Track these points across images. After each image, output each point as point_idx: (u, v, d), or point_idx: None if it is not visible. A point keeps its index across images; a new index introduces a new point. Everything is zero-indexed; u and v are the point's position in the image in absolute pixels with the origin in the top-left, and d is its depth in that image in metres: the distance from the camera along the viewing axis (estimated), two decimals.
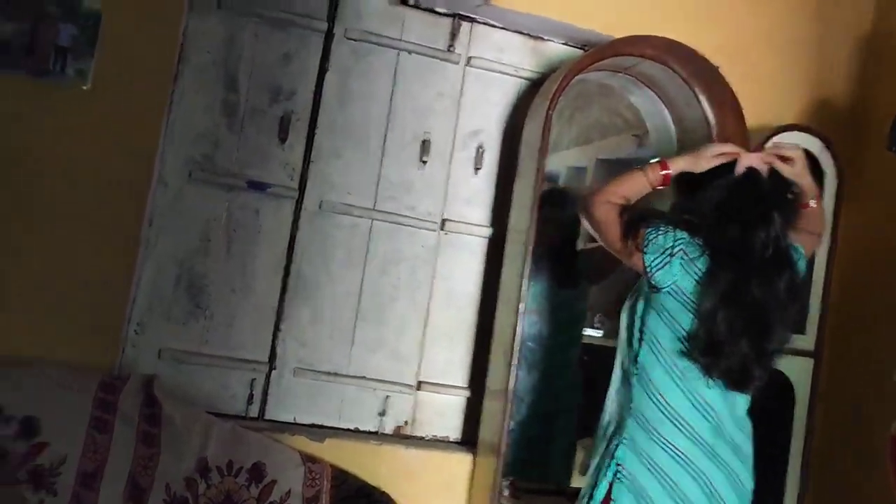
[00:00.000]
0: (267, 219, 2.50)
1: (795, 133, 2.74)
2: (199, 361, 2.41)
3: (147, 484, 2.04)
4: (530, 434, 2.77)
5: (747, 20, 2.83)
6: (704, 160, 1.95)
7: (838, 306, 2.77)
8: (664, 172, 1.97)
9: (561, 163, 3.27)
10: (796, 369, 2.68)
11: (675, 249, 1.86)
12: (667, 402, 1.88)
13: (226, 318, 2.45)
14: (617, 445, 1.91)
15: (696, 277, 1.85)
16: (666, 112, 2.84)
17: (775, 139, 2.71)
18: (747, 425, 1.97)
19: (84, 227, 2.27)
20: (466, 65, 2.70)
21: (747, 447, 1.95)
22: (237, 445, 2.14)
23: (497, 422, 2.36)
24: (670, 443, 1.87)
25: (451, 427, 2.62)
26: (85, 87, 2.30)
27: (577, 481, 3.00)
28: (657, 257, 1.86)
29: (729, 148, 1.97)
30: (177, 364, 2.39)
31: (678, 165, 1.98)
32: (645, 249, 1.88)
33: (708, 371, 1.85)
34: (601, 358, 3.05)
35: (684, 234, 1.88)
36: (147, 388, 2.14)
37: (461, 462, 2.51)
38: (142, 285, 2.38)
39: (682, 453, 1.86)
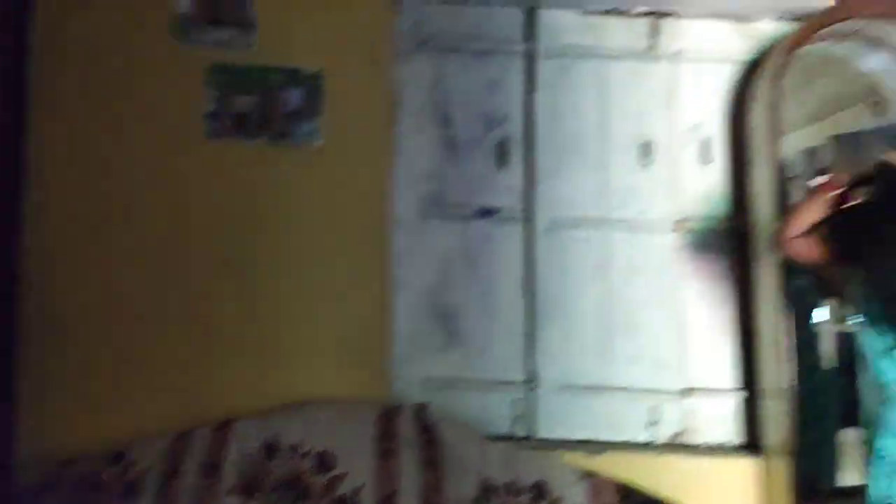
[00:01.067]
0: (500, 243, 2.61)
1: None
2: (461, 386, 2.53)
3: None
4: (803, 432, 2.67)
5: None
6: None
7: None
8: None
9: (791, 146, 3.18)
10: None
11: None
12: None
13: (479, 342, 2.56)
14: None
15: None
16: None
17: None
18: None
19: (339, 273, 2.49)
20: (674, 59, 2.73)
21: None
22: (515, 465, 2.21)
23: (782, 422, 2.30)
24: None
25: (729, 431, 2.58)
26: (317, 144, 2.54)
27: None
28: None
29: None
30: (440, 391, 2.52)
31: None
32: None
33: None
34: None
35: None
36: (420, 416, 2.27)
37: (746, 467, 2.46)
38: (399, 320, 2.55)
39: None
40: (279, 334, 2.47)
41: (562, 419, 2.54)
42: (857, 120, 3.06)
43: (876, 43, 2.69)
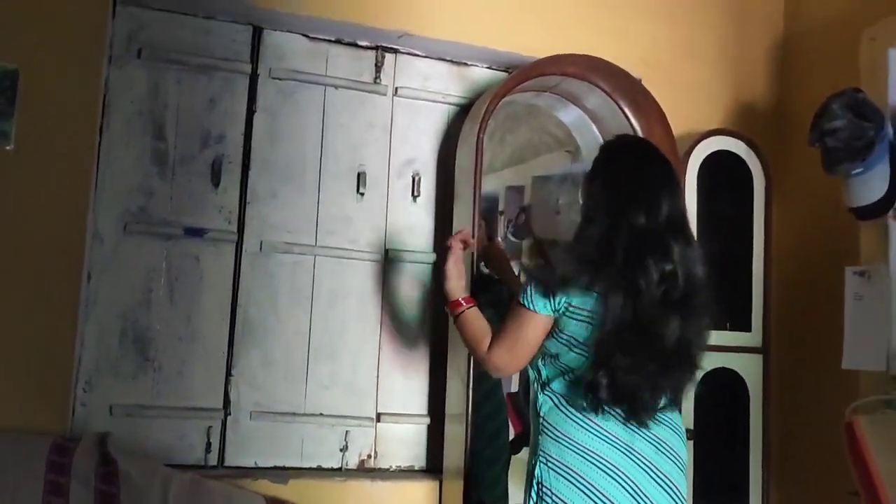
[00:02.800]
0: (208, 264, 2.55)
1: (721, 137, 2.93)
2: (153, 414, 2.42)
3: None
4: (478, 452, 2.84)
5: (666, 33, 3.02)
6: (451, 264, 2.16)
7: (781, 301, 2.95)
8: (461, 304, 2.12)
9: (498, 183, 3.40)
10: (746, 366, 2.83)
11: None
12: (570, 407, 1.90)
13: (175, 368, 2.47)
14: (534, 465, 1.93)
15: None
16: (593, 127, 2.99)
17: (702, 144, 2.90)
18: (677, 425, 1.97)
19: (22, 288, 2.28)
20: (394, 95, 2.81)
21: (678, 447, 1.94)
22: (199, 496, 2.16)
23: (460, 446, 2.43)
24: (581, 445, 1.86)
25: (415, 456, 2.69)
26: (8, 148, 2.33)
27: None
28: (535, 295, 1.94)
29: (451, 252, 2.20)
30: (130, 419, 2.39)
31: (452, 287, 2.14)
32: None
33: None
34: None
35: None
36: (101, 447, 2.14)
37: (428, 490, 2.57)
38: (86, 343, 2.39)
39: (596, 454, 1.86)
40: None
41: (256, 446, 2.52)
42: (555, 164, 3.33)
43: (570, 98, 2.93)
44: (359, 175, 2.74)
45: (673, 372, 1.90)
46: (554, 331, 1.95)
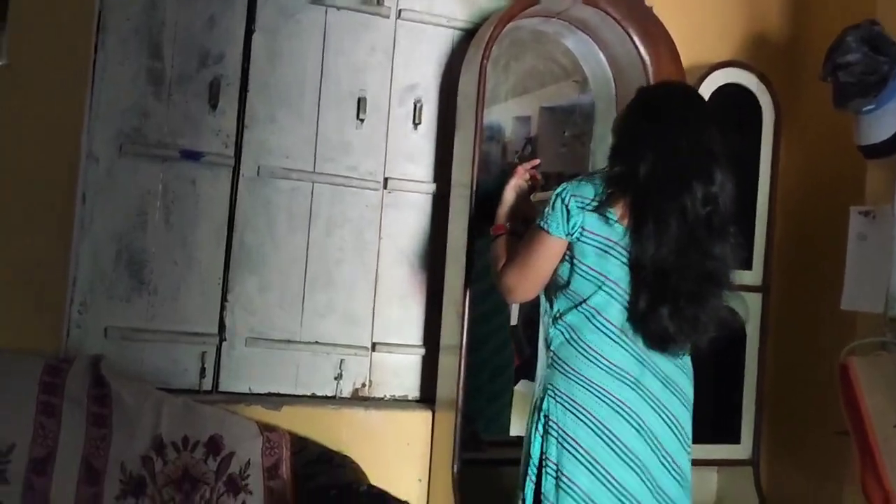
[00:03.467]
0: (204, 188, 2.51)
1: (731, 69, 2.86)
2: (147, 338, 2.42)
3: (101, 466, 2.06)
4: (480, 386, 2.85)
5: None
6: (510, 188, 2.22)
7: (783, 240, 2.91)
8: (502, 228, 2.17)
9: (504, 114, 3.33)
10: (744, 304, 2.81)
11: (566, 198, 1.94)
12: (582, 340, 1.92)
13: (170, 291, 2.46)
14: (542, 398, 1.96)
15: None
16: (601, 55, 2.91)
17: (712, 76, 2.83)
18: (687, 366, 2.01)
19: (15, 209, 2.25)
20: (398, 18, 2.72)
21: (685, 384, 1.99)
22: (191, 420, 2.18)
23: (453, 377, 2.43)
24: (590, 381, 1.89)
25: (409, 386, 2.69)
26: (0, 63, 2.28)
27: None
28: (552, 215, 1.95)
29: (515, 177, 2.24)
30: (124, 342, 2.39)
31: (501, 211, 2.20)
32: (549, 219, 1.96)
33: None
34: None
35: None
36: (94, 369, 2.15)
37: (421, 420, 2.57)
38: (81, 264, 2.37)
39: (604, 390, 1.89)
40: None
41: (250, 373, 2.52)
42: (562, 94, 3.27)
43: (578, 24, 2.85)
44: (359, 100, 2.68)
45: (711, 299, 1.92)
46: (568, 257, 1.96)
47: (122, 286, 2.42)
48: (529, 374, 3.11)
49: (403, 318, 2.70)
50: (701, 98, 2.13)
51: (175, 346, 2.45)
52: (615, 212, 1.89)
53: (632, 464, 1.88)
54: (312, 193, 2.62)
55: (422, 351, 2.70)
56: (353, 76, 2.68)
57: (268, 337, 2.55)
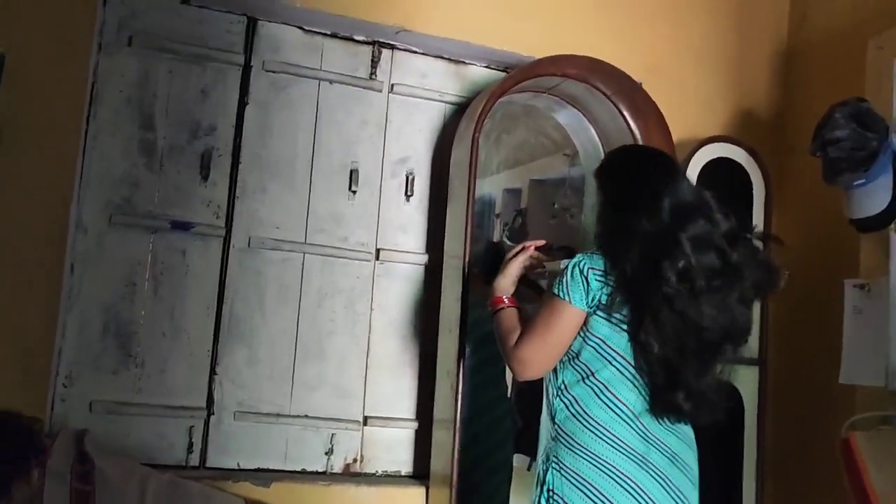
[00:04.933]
0: (194, 259, 2.50)
1: (721, 144, 2.91)
2: (134, 411, 2.38)
3: None
4: (478, 460, 2.81)
5: (669, 37, 2.99)
6: (515, 264, 2.18)
7: (778, 312, 2.92)
8: (503, 301, 2.13)
9: (495, 186, 3.37)
10: (742, 378, 2.80)
11: (585, 269, 1.93)
12: (588, 414, 1.90)
13: (158, 364, 2.43)
14: (546, 471, 1.94)
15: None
16: (592, 130, 2.96)
17: (701, 150, 2.88)
18: (690, 439, 1.99)
19: (3, 276, 2.23)
20: (390, 92, 2.78)
21: (691, 460, 1.97)
22: (177, 497, 2.12)
23: (447, 452, 2.40)
24: (596, 455, 1.87)
25: (402, 461, 2.65)
26: None
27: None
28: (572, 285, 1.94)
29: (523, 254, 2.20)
30: (110, 416, 2.35)
31: (502, 284, 2.16)
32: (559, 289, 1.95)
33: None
34: None
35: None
36: (78, 444, 2.10)
37: (414, 496, 2.53)
38: (67, 336, 2.35)
39: (611, 465, 1.86)
40: None
41: (239, 447, 2.48)
42: (552, 167, 3.32)
43: (569, 100, 2.91)
44: (351, 172, 2.71)
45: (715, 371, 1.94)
46: (581, 329, 1.94)
47: (108, 358, 2.39)
48: (521, 448, 3.09)
49: (396, 390, 2.68)
50: (651, 152, 2.15)
51: (162, 420, 2.41)
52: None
53: None
54: (303, 264, 2.62)
55: (415, 425, 2.66)
56: (346, 148, 2.72)
57: (257, 410, 2.51)
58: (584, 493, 1.87)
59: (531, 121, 3.14)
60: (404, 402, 2.68)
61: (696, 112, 2.99)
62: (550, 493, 1.91)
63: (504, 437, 2.96)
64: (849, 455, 2.16)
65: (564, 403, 1.95)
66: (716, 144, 2.90)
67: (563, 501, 1.89)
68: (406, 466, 2.66)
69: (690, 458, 1.97)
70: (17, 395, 2.21)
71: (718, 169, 2.87)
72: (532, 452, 3.13)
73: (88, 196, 2.42)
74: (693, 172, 2.83)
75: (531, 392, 3.12)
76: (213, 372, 2.48)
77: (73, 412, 2.33)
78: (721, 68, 3.08)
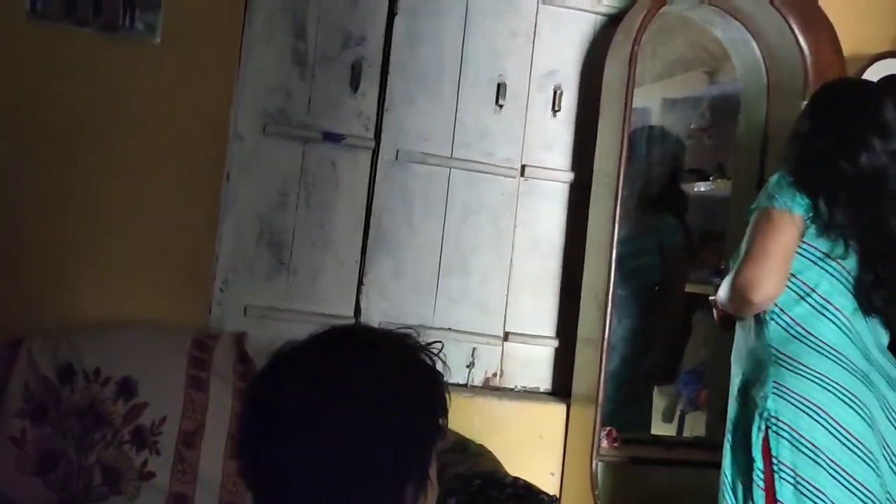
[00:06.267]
0: (344, 170, 2.54)
1: (894, 60, 2.72)
2: (285, 317, 2.46)
3: None
4: (616, 382, 2.81)
5: None
6: None
7: None
8: None
9: (648, 97, 3.25)
10: None
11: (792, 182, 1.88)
12: (811, 334, 1.84)
13: (309, 272, 2.49)
14: (765, 398, 1.85)
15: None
16: (753, 43, 2.80)
17: (873, 67, 2.69)
18: (892, 357, 1.91)
19: (165, 185, 2.32)
20: (540, 2, 2.69)
21: None
22: None
23: (593, 372, 2.39)
24: (825, 377, 1.81)
25: (541, 378, 2.66)
26: (155, 42, 2.35)
27: (658, 428, 3.07)
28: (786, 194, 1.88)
29: None
30: (263, 320, 2.44)
31: None
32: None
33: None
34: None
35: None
36: (239, 345, 2.20)
37: (555, 412, 2.54)
38: (224, 242, 2.42)
39: (839, 385, 1.80)
40: (90, 246, 2.30)
41: None
42: (689, 85, 3.18)
43: (731, 11, 2.75)
44: (498, 86, 2.66)
45: None
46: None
47: (262, 265, 2.47)
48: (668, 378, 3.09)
49: (536, 308, 2.67)
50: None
51: (312, 326, 2.42)
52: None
53: (871, 464, 1.80)
54: (449, 179, 2.62)
55: (555, 343, 2.66)
56: (493, 61, 2.66)
57: (401, 322, 2.54)
58: (816, 420, 1.81)
59: (687, 33, 2.99)
60: (545, 320, 2.68)
61: (869, 24, 2.78)
62: (775, 421, 1.83)
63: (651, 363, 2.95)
64: None
65: (782, 326, 1.88)
66: (888, 60, 2.71)
67: (791, 428, 1.82)
68: (545, 383, 2.67)
69: None
70: (181, 298, 2.33)
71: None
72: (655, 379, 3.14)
73: (244, 105, 2.46)
74: None
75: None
76: (360, 282, 2.54)
77: (229, 316, 2.43)
78: None
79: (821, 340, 1.84)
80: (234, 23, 2.43)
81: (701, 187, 3.31)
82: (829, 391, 1.81)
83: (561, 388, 2.62)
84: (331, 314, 2.51)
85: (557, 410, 2.55)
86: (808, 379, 1.82)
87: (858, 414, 1.80)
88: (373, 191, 2.55)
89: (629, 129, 2.43)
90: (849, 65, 2.62)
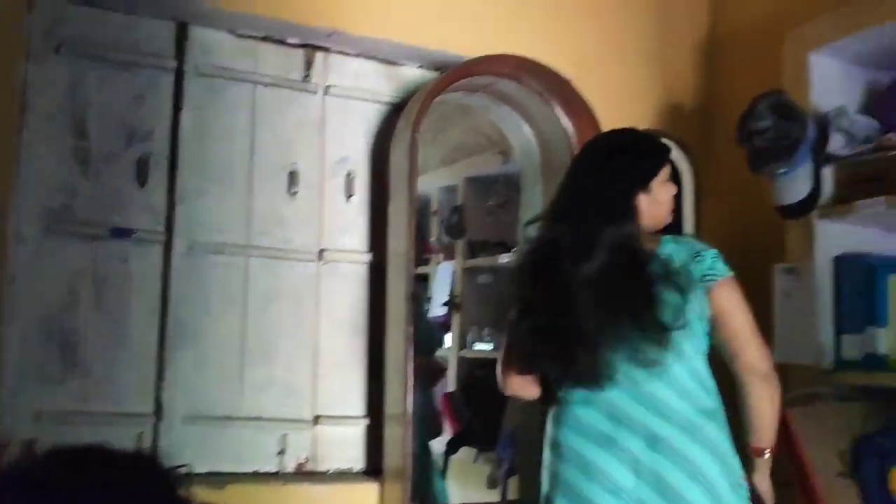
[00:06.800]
0: (136, 265, 2.48)
1: None
2: (81, 420, 2.34)
3: None
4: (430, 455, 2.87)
5: (594, 35, 3.08)
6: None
7: None
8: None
9: (431, 183, 3.42)
10: None
11: None
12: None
13: (104, 372, 2.39)
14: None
15: None
16: (526, 127, 3.05)
17: None
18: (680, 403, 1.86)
19: None
20: (325, 94, 2.79)
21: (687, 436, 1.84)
22: None
23: (399, 446, 2.45)
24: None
25: (354, 458, 2.67)
26: None
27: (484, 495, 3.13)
28: None
29: None
30: (57, 426, 2.31)
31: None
32: None
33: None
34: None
35: None
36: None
37: (367, 492, 2.55)
38: (11, 346, 2.29)
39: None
40: None
41: (190, 452, 2.45)
42: (486, 164, 3.39)
43: (502, 98, 2.98)
44: (290, 174, 2.72)
45: None
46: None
47: (53, 368, 2.35)
48: (469, 441, 3.16)
49: (345, 388, 2.70)
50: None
51: (110, 428, 2.38)
52: None
53: None
54: (247, 268, 2.63)
55: (365, 421, 2.69)
56: (284, 150, 2.73)
57: (206, 414, 2.51)
58: None
59: (466, 119, 3.20)
60: (354, 400, 2.71)
61: (624, 106, 3.08)
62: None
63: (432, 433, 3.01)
64: (786, 431, 2.27)
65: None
66: None
67: None
68: (358, 463, 2.68)
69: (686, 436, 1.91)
70: None
71: None
72: (478, 445, 3.22)
73: (25, 205, 2.37)
74: None
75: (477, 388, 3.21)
76: (160, 377, 2.46)
77: (19, 423, 2.28)
78: (646, 62, 3.18)
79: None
80: (8, 124, 2.36)
81: (504, 258, 3.47)
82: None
83: (374, 467, 2.64)
84: (130, 412, 2.42)
85: (370, 490, 2.57)
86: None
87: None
88: (168, 284, 2.51)
89: (415, 210, 2.55)
90: None
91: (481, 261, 3.59)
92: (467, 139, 3.30)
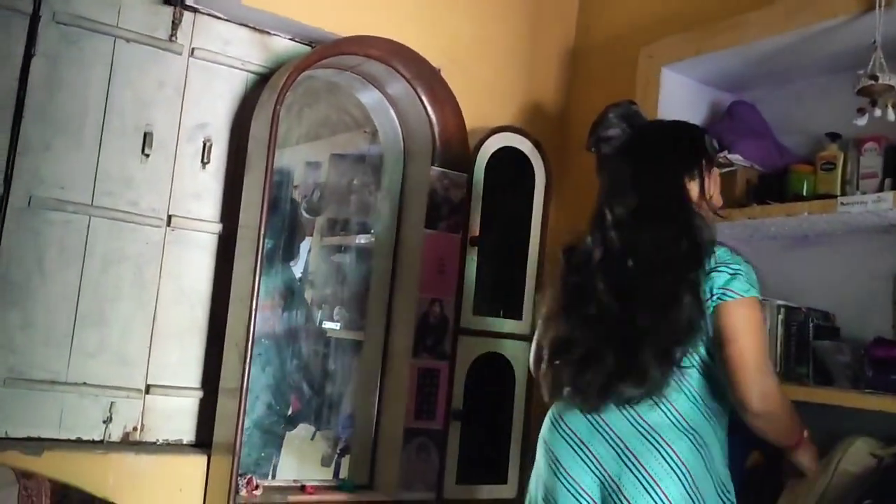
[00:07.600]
0: None
1: (509, 134, 3.07)
2: None
3: None
4: (268, 430, 2.84)
5: (467, 30, 3.11)
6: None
7: None
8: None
9: (294, 158, 3.36)
10: (515, 352, 3.00)
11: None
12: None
13: None
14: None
15: None
16: (391, 111, 3.04)
17: (491, 138, 3.03)
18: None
19: None
20: (190, 55, 2.70)
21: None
22: None
23: (232, 421, 2.41)
24: None
25: (184, 430, 2.61)
26: None
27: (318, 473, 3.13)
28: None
29: None
30: None
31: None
32: None
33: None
34: (342, 350, 3.23)
35: None
36: None
37: (195, 464, 2.51)
38: None
39: None
40: None
41: (8, 415, 2.35)
42: (353, 143, 3.36)
43: (370, 80, 2.96)
44: (145, 135, 2.62)
45: None
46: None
47: None
48: (308, 418, 3.15)
49: (182, 359, 2.64)
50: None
51: None
52: None
53: None
54: (89, 228, 2.52)
55: (199, 394, 2.64)
56: (140, 110, 2.63)
57: (29, 377, 2.40)
58: None
59: (333, 97, 3.16)
60: (191, 371, 2.65)
61: (489, 102, 3.13)
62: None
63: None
64: None
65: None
66: (504, 134, 3.06)
67: None
68: (189, 435, 2.63)
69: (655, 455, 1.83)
70: None
71: (506, 157, 3.04)
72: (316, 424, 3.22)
73: None
74: (483, 159, 2.98)
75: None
76: None
77: None
78: (515, 63, 3.24)
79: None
80: None
81: (361, 240, 3.44)
82: None
83: (205, 440, 2.59)
84: None
85: (198, 462, 2.53)
86: None
87: None
88: (0, 239, 2.38)
89: (271, 184, 2.50)
90: (471, 136, 2.93)
91: (338, 239, 3.57)
92: (335, 117, 3.26)
